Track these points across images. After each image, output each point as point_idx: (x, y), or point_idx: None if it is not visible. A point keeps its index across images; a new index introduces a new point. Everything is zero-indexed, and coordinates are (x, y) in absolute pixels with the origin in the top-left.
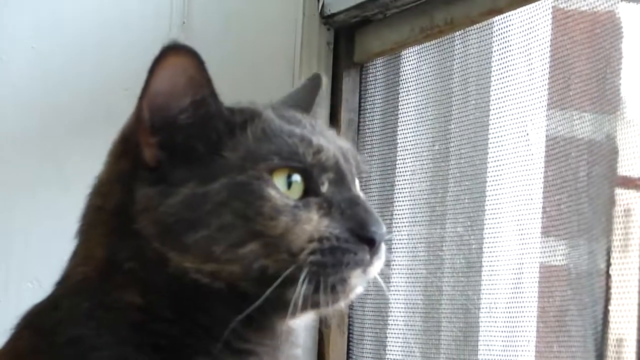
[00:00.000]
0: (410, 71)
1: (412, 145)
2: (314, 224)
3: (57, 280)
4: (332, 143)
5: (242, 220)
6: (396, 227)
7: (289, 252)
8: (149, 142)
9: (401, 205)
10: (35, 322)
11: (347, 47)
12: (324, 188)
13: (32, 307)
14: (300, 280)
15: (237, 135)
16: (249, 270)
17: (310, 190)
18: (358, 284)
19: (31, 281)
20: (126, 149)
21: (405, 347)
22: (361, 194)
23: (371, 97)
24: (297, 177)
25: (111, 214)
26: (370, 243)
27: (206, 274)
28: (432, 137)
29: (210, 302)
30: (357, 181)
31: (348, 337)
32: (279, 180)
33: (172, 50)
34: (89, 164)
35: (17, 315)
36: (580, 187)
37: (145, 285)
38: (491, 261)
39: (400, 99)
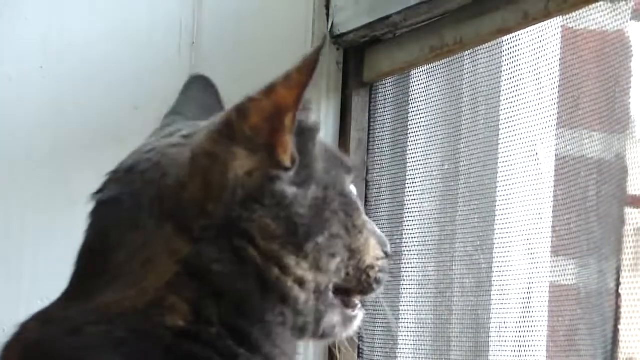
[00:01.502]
0: (419, 90)
1: (421, 164)
2: (374, 241)
3: (84, 307)
4: None
5: (344, 231)
6: (406, 246)
7: (360, 266)
8: (285, 140)
9: (411, 225)
10: (41, 350)
11: (357, 66)
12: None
13: (25, 330)
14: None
15: (315, 146)
16: (330, 282)
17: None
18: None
19: (41, 299)
20: (251, 146)
21: None
22: None
23: (381, 116)
24: (354, 189)
25: (207, 231)
26: (388, 258)
27: (303, 283)
28: (442, 156)
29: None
30: None
31: (358, 355)
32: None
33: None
34: (97, 181)
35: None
36: (589, 206)
37: (205, 297)
38: (501, 280)
39: (409, 118)
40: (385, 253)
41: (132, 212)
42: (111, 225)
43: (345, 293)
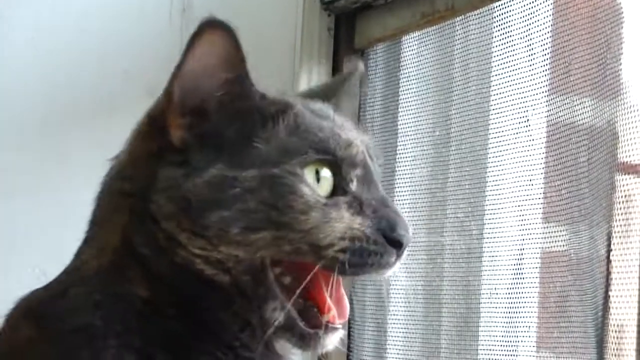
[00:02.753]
0: (411, 57)
1: (412, 131)
2: (346, 221)
3: (65, 269)
4: (357, 137)
5: (267, 208)
6: None
7: (311, 245)
8: (177, 123)
9: (402, 191)
10: (37, 311)
11: (348, 32)
12: (353, 186)
13: (29, 295)
14: (332, 278)
15: (269, 126)
16: (252, 258)
17: (339, 187)
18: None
19: (32, 267)
20: (152, 130)
21: (406, 333)
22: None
23: (372, 82)
24: (326, 173)
25: (134, 198)
26: (398, 246)
27: (213, 262)
28: (433, 122)
29: (214, 302)
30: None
31: (349, 321)
32: (309, 175)
33: (209, 26)
34: (89, 149)
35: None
36: (581, 172)
37: (153, 277)
38: (492, 247)
39: (400, 84)
40: (386, 237)
41: (112, 176)
42: (102, 189)
43: (296, 268)
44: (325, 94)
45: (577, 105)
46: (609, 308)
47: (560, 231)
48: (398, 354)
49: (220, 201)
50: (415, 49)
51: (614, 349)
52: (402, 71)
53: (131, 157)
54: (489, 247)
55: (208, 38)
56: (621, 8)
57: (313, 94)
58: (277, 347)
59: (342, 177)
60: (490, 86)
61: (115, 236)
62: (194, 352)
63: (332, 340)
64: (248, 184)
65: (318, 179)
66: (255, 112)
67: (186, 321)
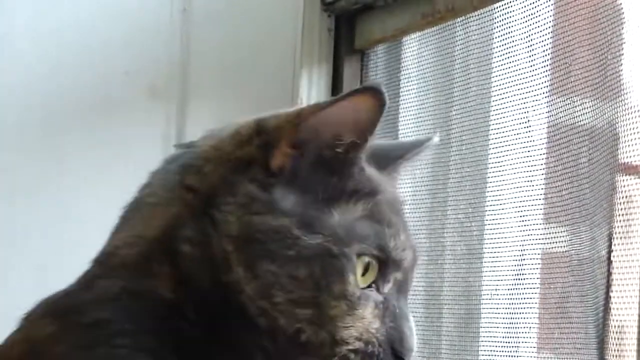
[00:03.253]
0: (411, 58)
1: (413, 131)
2: (366, 322)
3: (96, 257)
4: (411, 242)
5: (312, 284)
6: None
7: (332, 336)
8: (286, 150)
9: (402, 192)
10: (59, 307)
11: (348, 33)
12: (388, 287)
13: (52, 295)
14: None
15: (352, 201)
16: (292, 327)
17: (377, 282)
18: None
19: (33, 265)
20: (256, 140)
21: None
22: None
23: None
24: (374, 266)
25: (198, 196)
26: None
27: (258, 307)
28: (433, 123)
29: (246, 333)
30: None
31: None
32: (360, 262)
33: (374, 91)
34: (89, 149)
35: (20, 299)
36: (581, 173)
37: (183, 279)
38: (493, 248)
39: (401, 85)
40: (393, 348)
41: (180, 165)
42: (159, 174)
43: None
44: (397, 155)
45: (578, 106)
46: (610, 309)
47: (561, 232)
48: None
49: (274, 256)
50: (416, 49)
51: (614, 350)
52: (402, 72)
53: (215, 154)
54: (489, 248)
55: (365, 99)
56: (622, 9)
57: (384, 151)
58: None
59: (383, 276)
60: (490, 87)
61: (159, 226)
62: None
63: None
64: (305, 251)
65: (366, 270)
66: (351, 181)
67: (208, 333)
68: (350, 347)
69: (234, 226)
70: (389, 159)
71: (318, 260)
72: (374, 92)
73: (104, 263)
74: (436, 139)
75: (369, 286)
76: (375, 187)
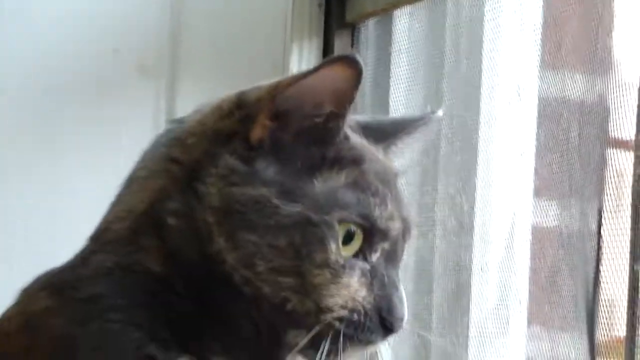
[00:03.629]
0: (402, 31)
1: (404, 105)
2: (352, 290)
3: (92, 234)
4: (400, 213)
5: (293, 252)
6: None
7: (316, 304)
8: (265, 122)
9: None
10: (56, 281)
11: (339, 7)
12: (375, 256)
13: (50, 270)
14: (323, 343)
15: (335, 169)
16: (276, 296)
17: (362, 252)
18: (353, 356)
19: (24, 239)
20: (236, 113)
21: None
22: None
23: (363, 57)
24: (359, 236)
25: (183, 168)
26: (388, 329)
27: (241, 276)
28: (424, 97)
29: (235, 304)
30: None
31: None
32: (342, 230)
33: (348, 60)
34: (80, 127)
35: (10, 276)
36: (572, 148)
37: (170, 253)
38: (483, 222)
39: (392, 59)
40: (382, 317)
41: (169, 139)
42: (151, 149)
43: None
44: (396, 128)
45: (569, 80)
46: (600, 282)
47: (551, 206)
48: None
49: (255, 226)
50: (407, 23)
51: (604, 323)
52: (393, 46)
53: (199, 128)
54: (480, 222)
55: (341, 69)
56: None
57: (382, 125)
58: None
59: (369, 245)
60: (481, 61)
61: (145, 202)
62: (201, 337)
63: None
64: (285, 220)
65: (350, 238)
66: (332, 152)
67: (198, 306)
68: (335, 314)
69: (215, 198)
70: (387, 133)
71: (298, 229)
72: (349, 61)
73: (99, 238)
74: (440, 113)
75: (355, 255)
76: (359, 155)
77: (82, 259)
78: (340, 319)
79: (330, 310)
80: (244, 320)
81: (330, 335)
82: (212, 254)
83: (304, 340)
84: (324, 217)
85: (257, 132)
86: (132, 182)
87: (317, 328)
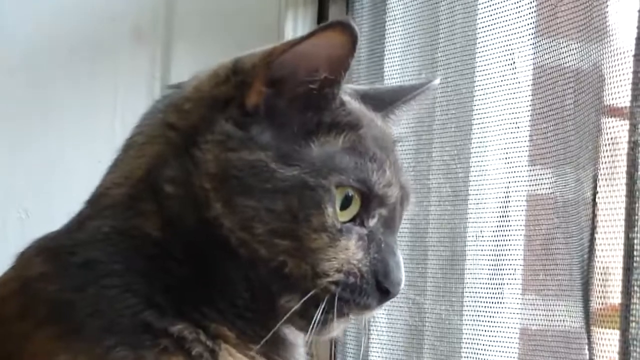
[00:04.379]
0: None
1: (399, 73)
2: (348, 253)
3: (89, 198)
4: (399, 180)
5: (290, 216)
6: None
7: (312, 268)
8: (260, 89)
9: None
10: (52, 246)
11: None
12: (372, 222)
13: (45, 235)
14: (319, 308)
15: (332, 133)
16: (273, 259)
17: (360, 217)
18: (351, 320)
19: (17, 210)
20: (232, 80)
21: None
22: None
23: (358, 25)
24: (357, 201)
25: (180, 134)
26: (384, 294)
27: (238, 238)
28: (419, 65)
29: (232, 267)
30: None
31: None
32: (340, 194)
33: (342, 25)
34: (74, 93)
35: (5, 245)
36: (567, 115)
37: (169, 218)
38: (478, 190)
39: (386, 27)
40: (378, 281)
41: (166, 104)
42: (148, 114)
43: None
44: (394, 97)
45: (564, 48)
46: (595, 251)
47: (546, 174)
48: None
49: (252, 190)
50: None
51: (599, 292)
52: (388, 14)
53: (196, 94)
54: (474, 190)
55: (335, 35)
56: None
57: (380, 94)
58: (284, 330)
59: (366, 211)
60: (476, 29)
61: (142, 167)
62: (197, 303)
63: (341, 327)
64: (282, 184)
65: (348, 203)
66: (328, 117)
67: (195, 271)
68: (330, 279)
69: (212, 164)
70: (385, 102)
71: (295, 192)
72: (343, 27)
73: (95, 204)
74: (436, 82)
75: (353, 220)
76: (357, 120)
77: (79, 223)
78: (337, 283)
79: (325, 274)
80: (240, 285)
81: (325, 300)
82: (209, 219)
83: (297, 305)
84: (321, 181)
85: (253, 98)
86: (129, 148)
87: (312, 292)
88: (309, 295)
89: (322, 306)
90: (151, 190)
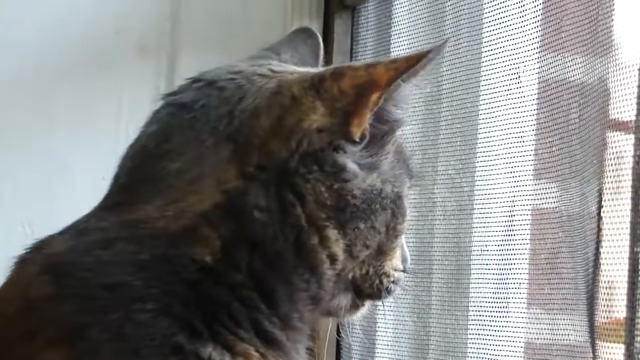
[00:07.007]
0: (402, 13)
1: None
2: (399, 253)
3: (120, 218)
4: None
5: (385, 229)
6: None
7: (376, 271)
8: (367, 114)
9: None
10: (64, 262)
11: None
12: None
13: (45, 240)
14: (364, 300)
15: (389, 143)
16: (360, 275)
17: None
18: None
19: (22, 224)
20: (325, 103)
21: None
22: None
23: (363, 39)
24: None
25: (267, 172)
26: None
27: (334, 260)
28: (424, 79)
29: (295, 278)
30: None
31: None
32: None
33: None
34: (79, 107)
35: (9, 259)
36: (572, 129)
37: (238, 242)
38: (483, 204)
39: (392, 41)
40: (404, 269)
41: (199, 122)
42: (175, 128)
43: (355, 291)
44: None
45: (569, 62)
46: (600, 265)
47: (551, 188)
48: (388, 310)
49: (365, 212)
50: (407, 4)
51: (604, 306)
52: (393, 27)
53: (279, 128)
54: (479, 204)
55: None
56: None
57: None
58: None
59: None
60: (481, 43)
61: (208, 199)
62: (234, 324)
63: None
64: (385, 201)
65: None
66: (387, 126)
67: (253, 290)
68: (390, 278)
69: (325, 195)
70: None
71: (391, 206)
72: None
73: (129, 228)
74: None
75: None
76: (402, 119)
77: (106, 242)
78: (395, 281)
79: (387, 275)
80: (301, 297)
81: (378, 297)
82: (307, 244)
83: (348, 302)
84: (400, 190)
85: (362, 127)
86: (169, 175)
87: (367, 292)
88: (364, 294)
89: (372, 301)
90: (218, 222)
